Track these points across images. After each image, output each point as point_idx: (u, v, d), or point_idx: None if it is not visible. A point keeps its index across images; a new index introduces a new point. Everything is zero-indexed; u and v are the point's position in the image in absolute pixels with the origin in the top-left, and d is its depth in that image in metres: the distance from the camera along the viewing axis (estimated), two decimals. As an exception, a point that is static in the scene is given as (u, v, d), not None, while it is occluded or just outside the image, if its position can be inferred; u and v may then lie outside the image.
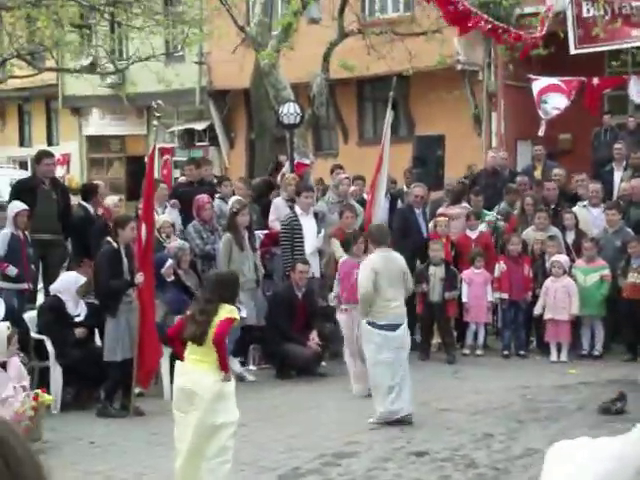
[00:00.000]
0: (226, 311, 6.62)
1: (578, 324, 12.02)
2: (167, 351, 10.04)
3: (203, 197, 11.99)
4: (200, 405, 6.47)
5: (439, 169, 14.28)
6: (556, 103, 16.75)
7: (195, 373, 6.56)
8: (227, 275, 7.34)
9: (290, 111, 14.57)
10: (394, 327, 8.80)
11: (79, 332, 9.73)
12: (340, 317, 10.42)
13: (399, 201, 13.51)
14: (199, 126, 26.22)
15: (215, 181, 14.03)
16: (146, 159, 10.74)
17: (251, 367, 11.41)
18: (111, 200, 12.34)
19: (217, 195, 12.96)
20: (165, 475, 7.35)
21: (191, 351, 6.64)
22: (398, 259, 9.10)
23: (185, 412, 6.58)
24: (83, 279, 9.97)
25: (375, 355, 8.83)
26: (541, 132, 16.83)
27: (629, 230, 12.12)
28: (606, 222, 12.34)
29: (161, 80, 20.72)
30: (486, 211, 13.50)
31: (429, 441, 8.24)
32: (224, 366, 6.59)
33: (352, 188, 13.32)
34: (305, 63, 17.77)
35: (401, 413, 8.75)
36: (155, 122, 11.55)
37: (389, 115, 12.44)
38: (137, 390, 9.56)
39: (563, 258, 11.96)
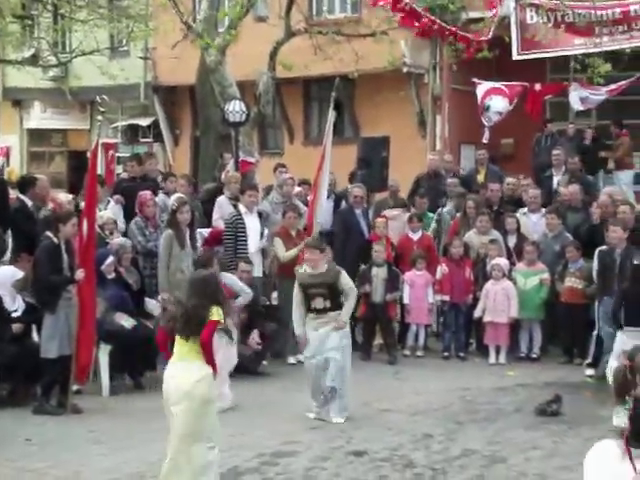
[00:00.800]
0: (214, 314, 6.59)
1: (517, 327, 12.16)
2: (106, 348, 9.97)
3: (146, 194, 11.89)
4: (191, 398, 6.49)
5: (383, 170, 14.33)
6: (498, 107, 16.92)
7: (183, 372, 6.56)
8: (211, 276, 7.19)
9: (236, 109, 14.52)
10: None
11: (16, 328, 9.60)
12: None
13: (343, 202, 13.53)
14: (143, 122, 26.00)
15: (160, 177, 13.92)
16: (89, 154, 10.62)
17: (191, 365, 11.32)
18: (65, 197, 12.21)
19: (161, 191, 12.88)
20: (102, 473, 7.29)
21: (179, 349, 6.63)
22: None
23: (174, 404, 6.60)
24: (20, 273, 9.83)
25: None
26: (485, 139, 17.01)
27: (568, 235, 12.30)
28: (546, 226, 12.51)
29: (105, 74, 20.50)
30: (430, 214, 13.61)
31: (368, 441, 8.27)
32: (213, 366, 6.63)
33: (297, 189, 13.33)
34: (251, 61, 17.71)
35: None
36: (99, 117, 11.44)
37: (331, 115, 12.47)
38: (75, 387, 9.45)
39: (503, 261, 12.10)
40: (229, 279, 10.30)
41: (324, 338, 8.99)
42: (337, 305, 9.03)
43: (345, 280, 9.07)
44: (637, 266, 9.97)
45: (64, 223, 9.40)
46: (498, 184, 13.73)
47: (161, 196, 12.56)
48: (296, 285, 9.14)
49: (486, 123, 16.91)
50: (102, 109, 10.94)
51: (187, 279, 7.97)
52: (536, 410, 9.28)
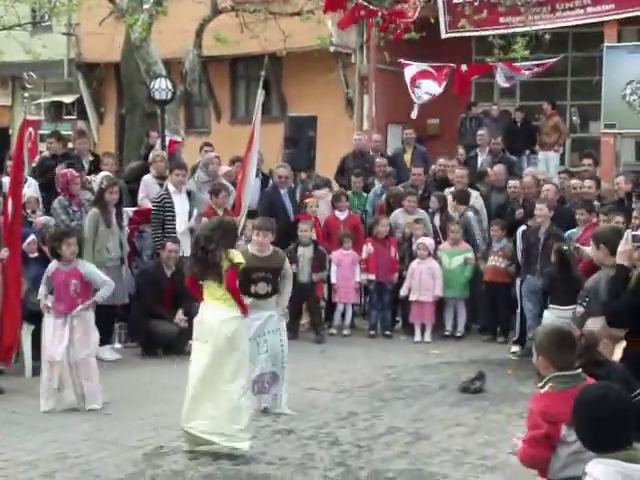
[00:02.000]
0: (234, 257, 7.28)
1: (442, 305, 12.30)
2: (29, 328, 9.82)
3: (72, 171, 11.70)
4: (217, 336, 7.16)
5: (311, 150, 14.33)
6: (428, 89, 17.06)
7: (214, 310, 7.24)
8: (230, 221, 7.85)
9: (162, 86, 14.36)
10: None
11: None
12: None
13: (271, 181, 13.50)
14: (67, 99, 25.56)
15: (91, 157, 13.63)
16: (11, 131, 10.43)
17: (117, 345, 11.24)
18: None
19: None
20: (24, 454, 7.19)
21: (208, 294, 7.32)
22: None
23: (203, 342, 7.26)
24: None
25: None
26: (414, 115, 17.12)
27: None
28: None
29: (27, 51, 20.08)
30: (364, 193, 13.68)
31: (295, 419, 8.30)
32: (242, 307, 7.34)
33: (226, 168, 13.25)
34: (177, 38, 17.55)
35: None
36: (26, 94, 11.23)
37: (260, 95, 12.41)
38: (-3, 368, 9.31)
39: (428, 241, 12.21)
40: (86, 268, 8.96)
41: (264, 320, 8.27)
42: (275, 290, 8.41)
43: (288, 265, 8.63)
44: (561, 252, 10.12)
45: None
46: (421, 168, 13.79)
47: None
48: None
49: (416, 100, 17.02)
50: (28, 86, 10.74)
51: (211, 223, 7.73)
52: (460, 387, 9.41)
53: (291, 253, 12.03)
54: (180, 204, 11.75)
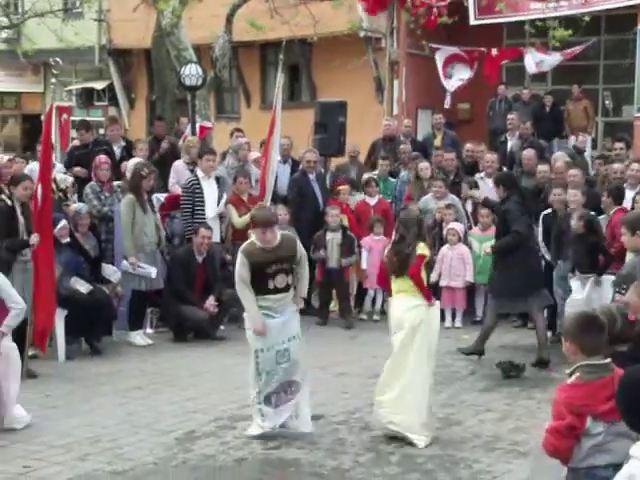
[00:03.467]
0: (420, 248, 7.47)
1: (473, 291, 12.27)
2: (62, 313, 9.91)
3: (101, 157, 11.79)
4: (402, 326, 7.39)
5: (341, 135, 14.32)
6: (460, 74, 17.00)
7: (400, 302, 7.44)
8: (416, 213, 8.01)
9: (192, 72, 14.39)
10: None
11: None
12: None
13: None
14: (98, 85, 25.68)
15: (123, 142, 13.70)
16: (42, 117, 10.50)
17: (148, 330, 11.33)
18: (0, 159, 12.02)
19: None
20: (58, 437, 7.28)
21: (396, 287, 7.52)
22: None
23: (393, 333, 7.51)
24: None
25: None
26: (447, 104, 17.11)
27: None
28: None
29: (59, 37, 20.20)
30: (391, 178, 13.65)
31: (325, 404, 8.33)
32: (427, 295, 7.55)
33: (255, 154, 13.28)
34: (208, 24, 17.55)
35: None
36: (53, 80, 11.30)
37: (280, 79, 12.41)
38: (30, 352, 9.40)
39: (459, 226, 12.17)
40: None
41: (282, 325, 7.44)
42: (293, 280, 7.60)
43: (300, 246, 7.66)
44: (588, 219, 10.14)
45: (15, 186, 9.34)
46: (453, 153, 13.69)
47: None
48: (243, 262, 7.37)
49: (448, 88, 16.98)
50: (55, 72, 10.80)
51: (407, 215, 7.84)
52: (500, 366, 9.38)
53: (320, 238, 12.06)
54: (209, 190, 11.78)
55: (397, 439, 7.33)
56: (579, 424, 4.22)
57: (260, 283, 7.32)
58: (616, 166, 12.26)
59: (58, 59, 11.12)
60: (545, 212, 11.30)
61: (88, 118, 23.90)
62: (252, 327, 7.37)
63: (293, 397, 7.47)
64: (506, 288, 9.95)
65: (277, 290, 7.41)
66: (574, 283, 10.04)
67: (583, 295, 9.74)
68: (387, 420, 7.38)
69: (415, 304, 7.42)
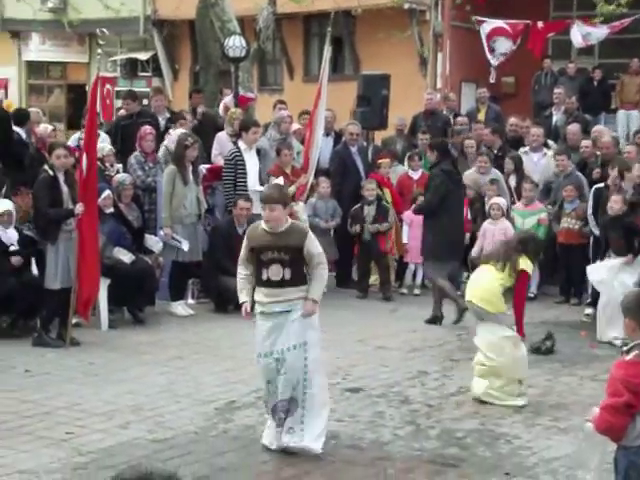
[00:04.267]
0: (522, 263, 7.73)
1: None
2: (105, 282, 10.01)
3: (146, 128, 11.83)
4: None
5: (384, 109, 14.25)
6: (503, 48, 16.83)
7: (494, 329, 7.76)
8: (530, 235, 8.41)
9: (236, 44, 14.37)
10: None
11: (15, 260, 9.61)
12: None
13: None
14: (142, 56, 25.75)
15: (167, 114, 13.72)
16: (87, 88, 10.54)
17: (190, 301, 11.40)
18: (43, 128, 12.10)
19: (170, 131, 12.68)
20: (100, 404, 7.37)
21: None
22: None
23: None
24: (10, 206, 9.77)
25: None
26: (492, 79, 16.97)
27: (579, 174, 12.16)
28: (556, 167, 12.33)
29: (105, 7, 20.28)
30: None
31: (364, 378, 8.35)
32: (520, 329, 7.88)
33: (295, 126, 13.26)
34: (252, -5, 17.51)
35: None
36: (99, 51, 11.35)
37: (327, 51, 12.35)
38: (74, 320, 9.52)
39: (502, 201, 12.05)
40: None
41: (278, 329, 6.44)
42: (299, 278, 6.46)
43: (313, 245, 6.49)
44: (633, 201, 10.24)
45: (50, 154, 9.43)
46: (489, 129, 13.56)
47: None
48: (244, 243, 6.73)
49: (493, 63, 16.83)
50: (101, 42, 10.83)
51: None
52: (531, 348, 9.32)
53: (357, 213, 12.04)
54: (251, 162, 11.77)
55: (436, 412, 7.35)
56: (636, 402, 4.17)
57: (256, 271, 6.56)
58: None
59: (104, 29, 11.16)
60: (597, 186, 11.17)
61: (132, 89, 24.06)
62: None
63: (287, 420, 6.45)
64: (434, 250, 10.67)
65: (270, 283, 6.43)
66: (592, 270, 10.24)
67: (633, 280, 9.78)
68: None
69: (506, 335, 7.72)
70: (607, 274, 9.90)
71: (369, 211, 12.06)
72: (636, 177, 10.55)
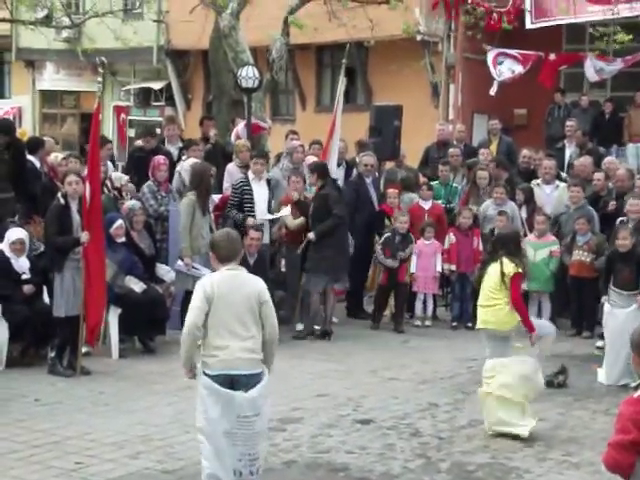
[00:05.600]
0: (508, 266, 7.80)
1: (526, 298, 12.13)
2: (116, 311, 10.01)
3: (159, 158, 11.89)
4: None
5: (395, 139, 14.28)
6: (511, 66, 16.85)
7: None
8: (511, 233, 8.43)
9: (249, 74, 14.45)
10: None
11: (27, 289, 9.65)
12: None
13: (354, 170, 13.50)
14: (156, 85, 25.91)
15: (180, 143, 13.76)
16: (100, 117, 10.59)
17: (200, 330, 11.36)
18: (54, 157, 12.16)
19: (183, 158, 12.74)
20: (110, 434, 7.35)
21: (483, 314, 8.03)
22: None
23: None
24: (24, 235, 9.81)
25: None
26: (492, 91, 16.95)
27: (590, 208, 12.16)
28: (569, 199, 12.35)
29: (118, 37, 20.41)
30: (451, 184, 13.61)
31: (375, 409, 8.32)
32: (529, 325, 7.90)
33: (312, 158, 13.29)
34: (265, 27, 17.61)
35: None
36: (99, 79, 11.47)
37: (342, 83, 12.40)
38: (84, 349, 9.51)
39: (514, 234, 12.04)
40: None
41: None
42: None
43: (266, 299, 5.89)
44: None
45: (62, 182, 9.47)
46: (493, 163, 13.53)
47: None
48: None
49: (496, 77, 16.83)
50: (101, 70, 10.90)
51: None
52: (543, 381, 9.28)
53: (388, 240, 12.09)
54: (259, 192, 11.78)
55: (447, 445, 7.30)
56: None
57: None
58: None
59: (104, 59, 11.31)
60: (621, 219, 11.21)
61: (145, 118, 24.21)
62: None
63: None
64: (321, 265, 11.22)
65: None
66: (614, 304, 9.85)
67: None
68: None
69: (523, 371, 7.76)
70: (623, 323, 9.37)
71: (398, 241, 12.12)
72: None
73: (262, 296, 5.82)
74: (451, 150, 14.31)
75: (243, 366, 5.67)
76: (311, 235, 11.38)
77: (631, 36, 15.13)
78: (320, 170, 11.68)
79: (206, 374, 5.69)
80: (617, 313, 9.66)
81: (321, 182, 11.50)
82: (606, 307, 9.86)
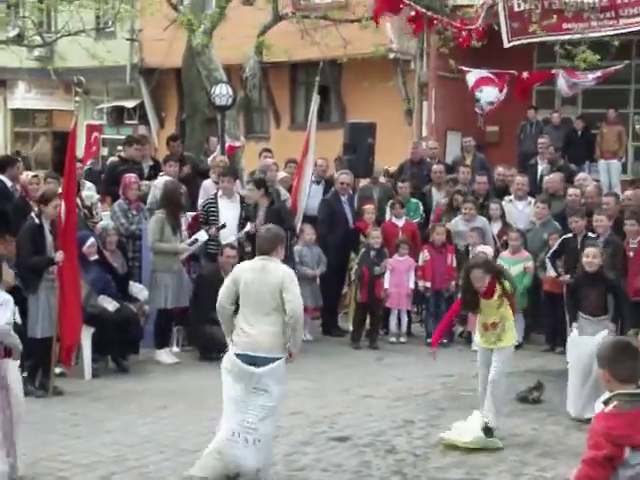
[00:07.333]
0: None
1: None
2: (89, 331, 9.95)
3: (130, 176, 11.85)
4: None
5: (369, 157, 14.32)
6: (489, 97, 16.97)
7: None
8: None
9: (222, 92, 14.45)
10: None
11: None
12: None
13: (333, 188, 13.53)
14: (129, 104, 25.88)
15: (151, 162, 13.73)
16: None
17: (174, 349, 11.34)
18: (25, 176, 12.09)
19: (161, 174, 12.71)
20: (83, 455, 7.28)
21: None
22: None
23: None
24: None
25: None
26: (480, 124, 17.09)
27: (556, 223, 12.27)
28: (535, 215, 12.49)
29: (91, 56, 20.36)
30: (413, 199, 13.64)
31: (350, 427, 8.30)
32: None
33: (282, 174, 13.31)
34: (239, 45, 17.63)
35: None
36: (77, 98, 11.45)
37: (315, 101, 12.43)
38: (57, 370, 9.44)
39: (488, 249, 12.08)
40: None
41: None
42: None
43: None
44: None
45: (45, 204, 9.37)
46: (485, 176, 13.68)
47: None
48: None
49: (478, 111, 16.97)
50: (78, 90, 10.89)
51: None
52: (518, 397, 9.32)
53: (365, 255, 12.13)
54: (228, 209, 11.78)
55: (422, 462, 7.29)
56: (618, 455, 4.09)
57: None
58: (627, 193, 12.41)
59: (82, 77, 11.32)
60: (566, 236, 11.31)
61: (118, 137, 24.13)
62: None
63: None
64: None
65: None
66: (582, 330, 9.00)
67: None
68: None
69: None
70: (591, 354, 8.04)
71: (373, 256, 12.16)
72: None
73: (284, 283, 6.59)
74: (435, 167, 14.38)
75: (262, 349, 6.54)
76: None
77: (598, 56, 15.26)
78: (260, 186, 11.83)
79: (233, 352, 6.64)
80: (585, 341, 8.71)
81: (269, 198, 11.60)
82: (573, 333, 9.05)
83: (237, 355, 6.61)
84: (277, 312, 6.57)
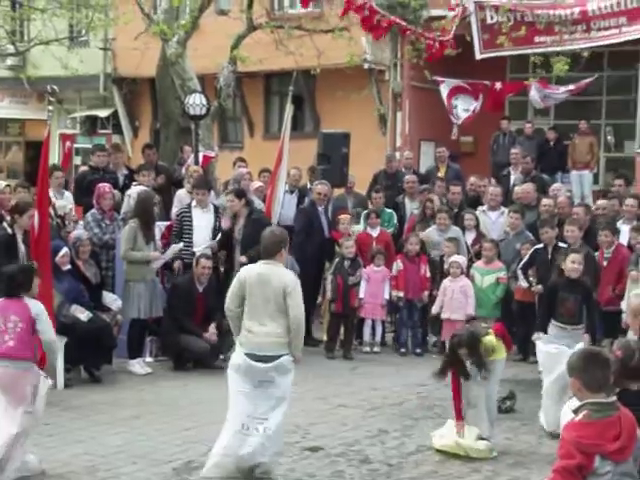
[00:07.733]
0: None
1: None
2: (62, 341, 9.87)
3: (104, 186, 11.80)
4: None
5: (343, 167, 14.34)
6: (466, 105, 17.06)
7: None
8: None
9: (196, 102, 14.44)
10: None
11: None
12: None
13: (306, 198, 13.54)
14: (102, 113, 25.76)
15: (125, 171, 13.69)
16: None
17: (147, 359, 11.29)
18: None
19: (135, 183, 12.67)
20: (56, 466, 7.22)
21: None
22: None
23: None
24: None
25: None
26: (454, 135, 17.17)
27: (529, 234, 12.34)
28: (508, 225, 12.56)
29: (64, 65, 20.28)
30: (387, 209, 13.67)
31: (324, 436, 8.29)
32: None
33: (257, 184, 13.30)
34: (212, 54, 17.64)
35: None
36: (50, 107, 11.42)
37: (289, 110, 12.45)
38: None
39: (461, 259, 12.15)
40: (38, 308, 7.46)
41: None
42: None
43: None
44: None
45: (20, 214, 9.31)
46: (459, 187, 13.74)
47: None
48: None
49: (454, 121, 17.05)
50: (52, 99, 10.86)
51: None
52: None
53: (339, 265, 12.17)
54: (202, 219, 11.79)
55: (396, 471, 7.29)
56: (588, 464, 4.12)
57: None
58: (600, 202, 12.53)
59: (55, 87, 11.30)
60: (537, 246, 11.39)
61: (91, 146, 24.00)
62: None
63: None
64: None
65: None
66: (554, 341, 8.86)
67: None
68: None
69: None
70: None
71: (347, 266, 12.18)
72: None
73: (287, 289, 6.92)
74: (407, 177, 14.42)
75: (267, 348, 6.90)
76: (243, 259, 11.13)
77: (567, 66, 15.38)
78: (241, 196, 11.84)
79: (241, 351, 6.98)
80: (558, 353, 8.48)
81: (249, 208, 11.68)
82: (543, 346, 8.95)
83: (245, 354, 6.97)
84: (281, 315, 6.92)
